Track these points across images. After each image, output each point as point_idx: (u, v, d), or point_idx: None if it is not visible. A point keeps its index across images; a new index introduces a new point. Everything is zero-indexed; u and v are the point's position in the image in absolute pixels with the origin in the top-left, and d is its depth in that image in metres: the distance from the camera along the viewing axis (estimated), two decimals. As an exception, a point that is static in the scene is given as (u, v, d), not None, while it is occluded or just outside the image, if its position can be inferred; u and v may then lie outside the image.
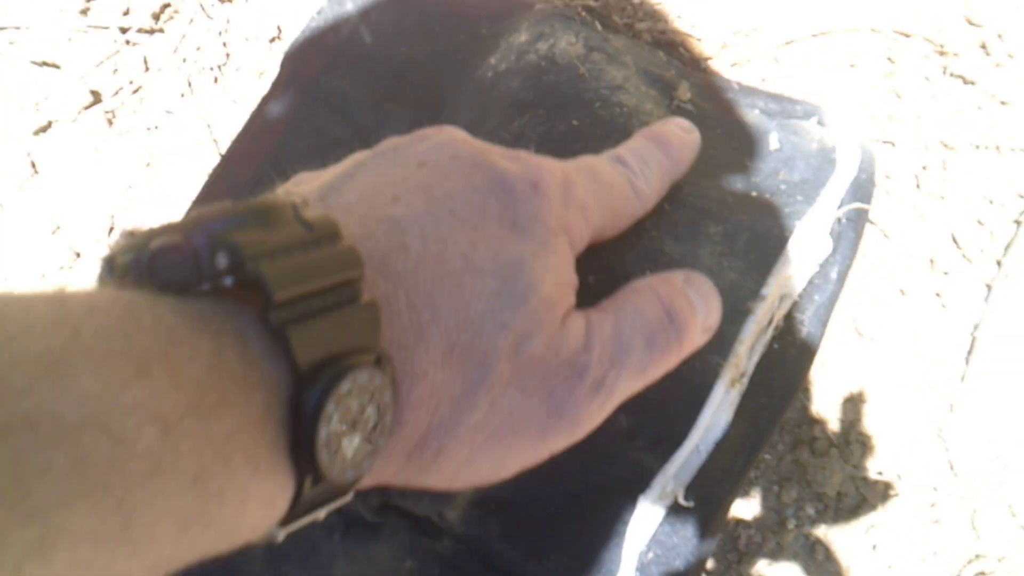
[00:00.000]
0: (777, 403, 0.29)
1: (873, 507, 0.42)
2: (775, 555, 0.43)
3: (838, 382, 0.43)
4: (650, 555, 0.27)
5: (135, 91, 0.51)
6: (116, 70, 0.51)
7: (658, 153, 0.25)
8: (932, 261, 0.42)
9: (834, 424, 0.43)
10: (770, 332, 0.29)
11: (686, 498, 0.28)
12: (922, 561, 0.42)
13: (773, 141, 0.32)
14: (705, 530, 0.29)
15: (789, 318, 0.30)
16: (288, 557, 0.30)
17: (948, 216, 0.42)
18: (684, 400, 0.28)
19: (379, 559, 0.29)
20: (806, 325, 0.30)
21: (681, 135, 0.27)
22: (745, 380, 0.29)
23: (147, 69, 0.51)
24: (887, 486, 0.42)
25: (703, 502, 0.28)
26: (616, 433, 0.28)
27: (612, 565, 0.27)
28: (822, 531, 0.43)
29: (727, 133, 0.33)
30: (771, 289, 0.29)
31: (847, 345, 0.43)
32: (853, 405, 0.43)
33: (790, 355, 0.30)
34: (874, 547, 0.42)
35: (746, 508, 0.44)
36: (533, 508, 0.28)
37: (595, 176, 0.22)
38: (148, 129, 0.51)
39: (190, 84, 0.51)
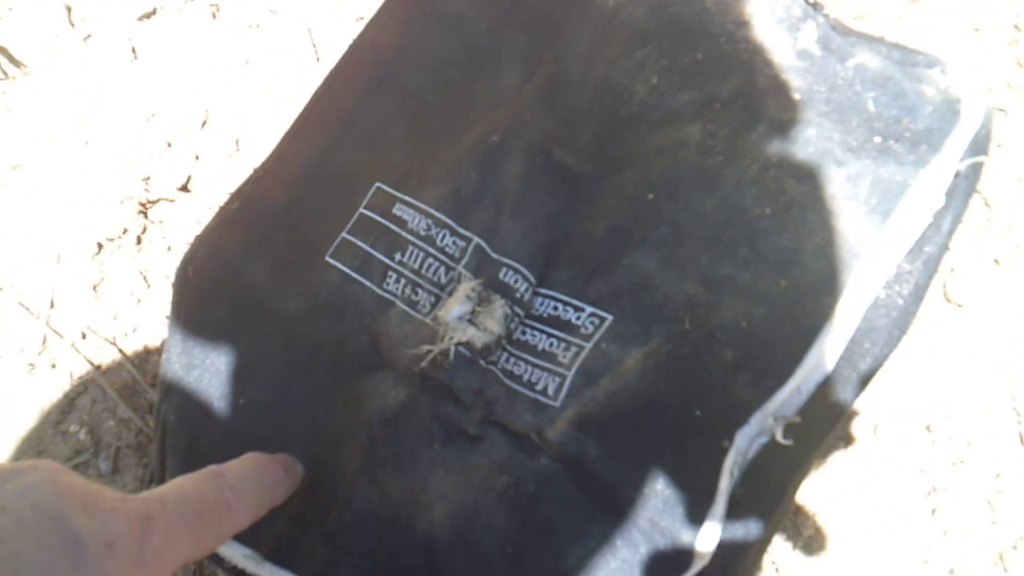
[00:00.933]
0: (880, 350, 0.29)
1: (938, 471, 0.43)
2: (832, 511, 0.44)
3: (920, 344, 0.43)
4: (743, 489, 0.27)
5: (241, -13, 0.51)
6: (224, -36, 0.51)
7: (257, 473, 0.27)
8: (1033, 234, 0.42)
9: (910, 386, 0.43)
10: (882, 279, 0.29)
11: (785, 436, 0.28)
12: (978, 529, 0.43)
13: (897, 87, 0.32)
14: (798, 469, 0.29)
15: (899, 266, 0.30)
16: (385, 464, 0.30)
17: (1056, 190, 0.42)
18: (792, 339, 0.28)
19: (476, 471, 0.29)
20: (915, 275, 0.30)
21: (282, 470, 0.29)
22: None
23: (255, -34, 0.51)
24: (955, 452, 0.43)
25: (800, 442, 0.28)
26: (721, 366, 0.28)
27: (705, 496, 0.27)
28: (883, 489, 0.43)
29: (850, 77, 0.33)
30: (888, 235, 0.29)
31: (934, 308, 0.43)
32: (929, 367, 0.43)
33: (897, 304, 0.30)
34: (933, 511, 0.43)
35: (808, 460, 0.45)
36: (632, 434, 0.28)
37: (183, 508, 0.22)
38: (250, 27, 0.51)
39: (296, -15, 0.50)
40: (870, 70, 0.33)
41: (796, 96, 0.32)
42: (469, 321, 0.31)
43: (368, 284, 0.33)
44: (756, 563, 0.30)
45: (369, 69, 0.37)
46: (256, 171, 0.37)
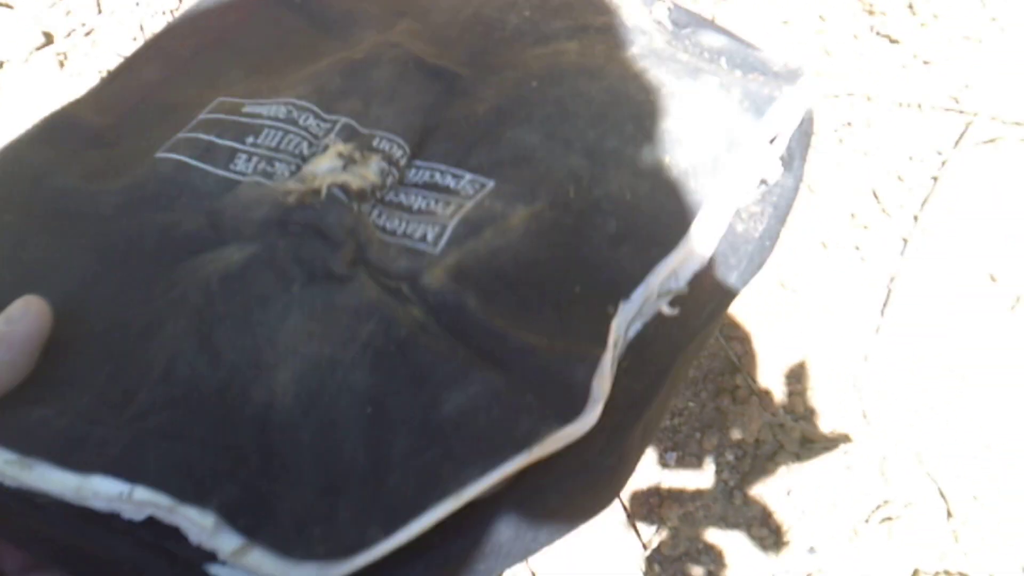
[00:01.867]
0: (742, 273, 0.30)
1: (789, 454, 0.44)
2: (694, 499, 0.44)
3: (761, 332, 0.44)
4: (627, 363, 0.27)
5: (87, 33, 0.51)
6: (69, 12, 0.52)
7: None
8: (853, 215, 0.43)
9: (755, 373, 0.44)
10: (759, 169, 0.31)
11: (670, 308, 0.28)
12: (833, 506, 0.43)
13: (742, 56, 0.34)
14: (682, 349, 0.28)
15: (750, 210, 0.31)
16: (224, 319, 0.27)
17: (869, 171, 0.43)
18: (676, 214, 0.29)
19: (339, 315, 0.27)
20: (765, 218, 0.31)
21: None
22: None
23: (100, 11, 0.52)
24: (803, 433, 0.44)
25: (682, 324, 0.28)
26: (604, 238, 0.28)
27: (596, 346, 0.26)
28: (740, 477, 0.44)
29: (700, 49, 0.34)
30: (762, 131, 0.30)
31: (770, 296, 0.44)
32: (774, 355, 0.44)
33: (753, 238, 0.30)
34: (788, 492, 0.44)
35: (669, 455, 0.45)
36: (511, 297, 0.28)
37: None
38: (99, 72, 0.51)
39: (142, 27, 0.51)
40: (716, 46, 0.34)
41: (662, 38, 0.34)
42: (343, 170, 0.29)
43: (210, 168, 0.30)
44: (641, 446, 0.29)
45: (204, 32, 0.36)
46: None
